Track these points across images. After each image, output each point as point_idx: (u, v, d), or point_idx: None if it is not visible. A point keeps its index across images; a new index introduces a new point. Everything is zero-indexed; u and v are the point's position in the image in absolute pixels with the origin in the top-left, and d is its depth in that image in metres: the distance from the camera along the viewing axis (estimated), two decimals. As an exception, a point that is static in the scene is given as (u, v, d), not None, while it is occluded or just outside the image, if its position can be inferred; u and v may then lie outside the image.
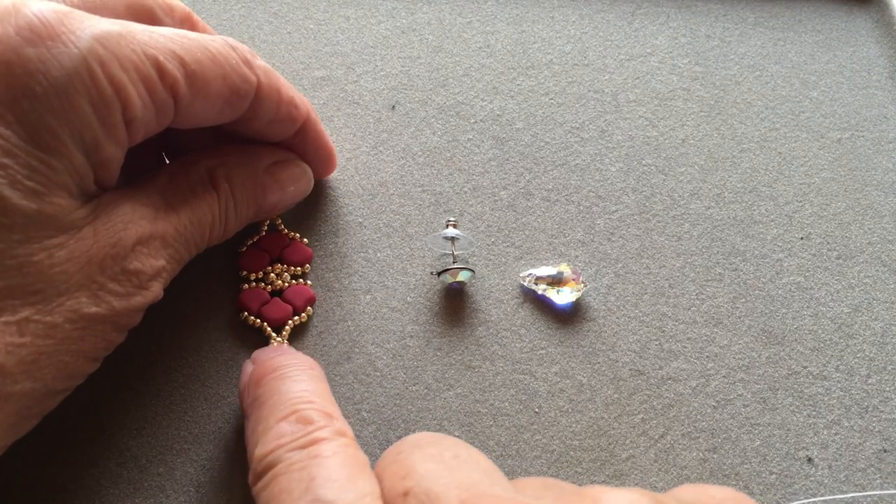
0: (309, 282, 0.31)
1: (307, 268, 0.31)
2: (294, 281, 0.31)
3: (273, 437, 0.23)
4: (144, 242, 0.24)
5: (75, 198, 0.23)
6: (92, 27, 0.22)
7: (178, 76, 0.24)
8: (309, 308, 0.30)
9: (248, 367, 0.27)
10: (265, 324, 0.30)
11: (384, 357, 0.30)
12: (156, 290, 0.25)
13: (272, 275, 0.30)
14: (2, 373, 0.21)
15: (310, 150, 0.31)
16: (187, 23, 0.28)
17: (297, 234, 0.32)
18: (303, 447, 0.22)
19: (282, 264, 0.31)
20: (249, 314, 0.30)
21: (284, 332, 0.30)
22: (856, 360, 0.30)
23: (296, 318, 0.30)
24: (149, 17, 0.27)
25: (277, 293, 0.30)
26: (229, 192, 0.27)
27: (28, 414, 0.23)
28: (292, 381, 0.25)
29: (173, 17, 0.28)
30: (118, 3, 0.26)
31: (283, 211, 0.31)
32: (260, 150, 0.29)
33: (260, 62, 0.27)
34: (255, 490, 0.22)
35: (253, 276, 0.30)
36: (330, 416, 0.24)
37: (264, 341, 0.29)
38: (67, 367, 0.23)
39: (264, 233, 0.31)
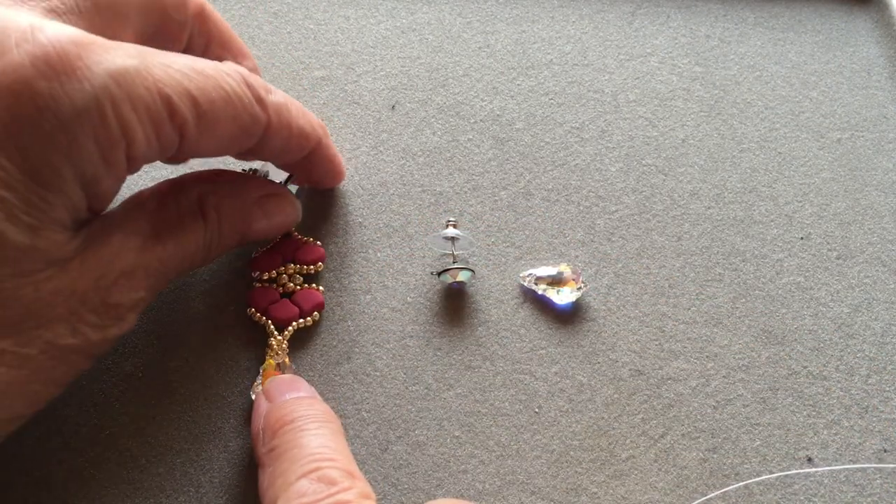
0: (321, 287, 0.31)
1: (320, 266, 0.31)
2: (306, 284, 0.31)
3: (294, 494, 0.22)
4: (128, 275, 0.24)
5: (68, 231, 0.23)
6: (108, 62, 0.21)
7: (189, 117, 0.23)
8: (316, 313, 0.30)
9: (262, 405, 0.26)
10: (269, 322, 0.30)
11: (384, 357, 0.30)
12: (130, 321, 0.25)
13: (284, 276, 0.30)
14: None
15: (317, 170, 0.31)
16: (200, 17, 0.28)
17: (311, 239, 0.32)
18: None
19: (295, 264, 0.31)
20: (256, 310, 0.30)
21: (286, 333, 0.29)
22: (856, 360, 0.30)
23: (301, 321, 0.30)
24: (160, 14, 0.26)
25: (287, 295, 0.30)
26: (217, 222, 0.27)
27: None
28: (312, 434, 0.24)
29: (185, 13, 0.27)
30: (130, 1, 0.25)
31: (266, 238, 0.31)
32: (252, 182, 0.29)
33: (274, 99, 0.26)
34: None
35: (266, 276, 0.30)
36: (353, 475, 0.23)
37: (265, 341, 0.30)
38: (36, 395, 0.23)
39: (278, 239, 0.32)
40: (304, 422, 0.25)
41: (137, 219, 0.25)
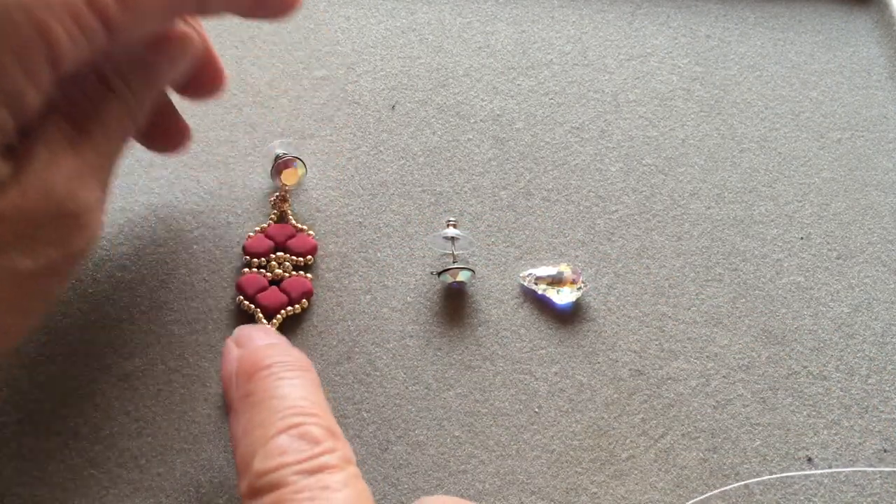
0: (310, 275, 0.31)
1: (310, 259, 0.31)
2: (296, 272, 0.31)
3: (275, 451, 0.21)
4: (73, 179, 0.23)
5: (1, 156, 0.21)
6: None
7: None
8: (304, 301, 0.30)
9: (233, 350, 0.25)
10: (258, 310, 0.30)
11: (384, 357, 0.30)
12: (93, 226, 0.23)
13: (273, 262, 0.31)
14: None
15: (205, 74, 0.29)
16: None
17: (306, 227, 0.32)
18: (310, 472, 0.21)
19: (286, 253, 0.31)
20: (244, 298, 0.30)
21: (275, 321, 0.30)
22: (856, 360, 0.30)
23: (289, 308, 0.30)
24: None
25: (277, 282, 0.30)
26: (124, 88, 0.25)
27: None
28: (290, 384, 0.23)
29: None
30: None
31: (180, 73, 0.28)
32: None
33: None
34: None
35: (255, 262, 0.31)
36: (335, 435, 0.22)
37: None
38: (12, 327, 0.22)
39: (272, 223, 0.32)
40: (282, 368, 0.24)
41: (54, 121, 0.23)
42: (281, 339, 0.26)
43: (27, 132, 0.23)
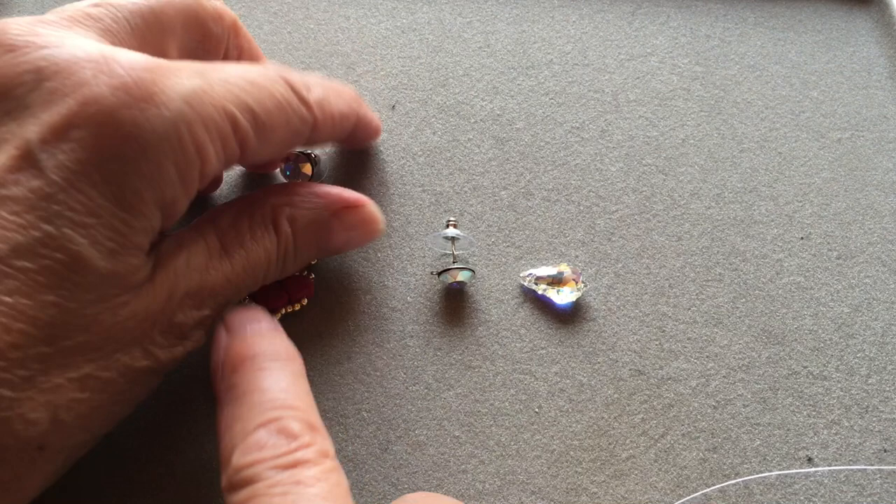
0: (313, 275, 0.31)
1: (314, 259, 0.31)
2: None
3: (252, 446, 0.22)
4: (192, 295, 0.24)
5: (144, 254, 0.23)
6: (181, 85, 0.22)
7: (250, 130, 0.24)
8: (304, 300, 0.30)
9: (223, 338, 0.25)
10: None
11: (384, 357, 0.30)
12: (197, 338, 0.25)
13: None
14: (62, 428, 0.22)
15: (357, 136, 0.31)
16: (234, 29, 0.29)
17: None
18: (285, 467, 0.21)
19: None
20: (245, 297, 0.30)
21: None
22: (856, 360, 0.30)
23: (289, 306, 0.30)
24: (201, 29, 0.27)
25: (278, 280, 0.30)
26: (290, 236, 0.27)
27: (69, 463, 0.24)
28: (273, 377, 0.24)
29: (223, 26, 0.28)
30: (175, 18, 0.26)
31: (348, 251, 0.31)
32: (330, 194, 0.28)
33: (315, 96, 0.26)
34: (229, 501, 0.22)
35: None
36: (313, 428, 0.23)
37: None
38: (113, 416, 0.24)
39: None
40: (265, 360, 0.24)
41: (207, 235, 0.25)
42: (271, 324, 0.26)
43: (171, 235, 0.25)
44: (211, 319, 0.25)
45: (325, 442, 0.23)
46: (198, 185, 0.24)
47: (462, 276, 0.31)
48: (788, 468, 0.28)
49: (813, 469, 0.28)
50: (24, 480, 0.22)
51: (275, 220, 0.27)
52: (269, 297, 0.30)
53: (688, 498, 0.27)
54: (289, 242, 0.27)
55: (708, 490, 0.28)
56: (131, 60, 0.22)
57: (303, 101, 0.26)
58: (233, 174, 0.33)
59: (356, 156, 0.34)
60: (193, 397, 0.29)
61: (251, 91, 0.24)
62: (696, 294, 0.32)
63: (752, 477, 0.28)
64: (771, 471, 0.28)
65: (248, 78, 0.25)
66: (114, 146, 0.21)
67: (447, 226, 0.31)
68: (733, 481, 0.28)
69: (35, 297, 0.20)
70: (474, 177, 0.34)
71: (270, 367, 0.24)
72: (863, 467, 0.28)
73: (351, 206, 0.28)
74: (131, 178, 0.22)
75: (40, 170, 0.21)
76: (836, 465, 0.28)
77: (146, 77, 0.22)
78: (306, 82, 0.27)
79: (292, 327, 0.30)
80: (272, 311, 0.30)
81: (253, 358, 0.24)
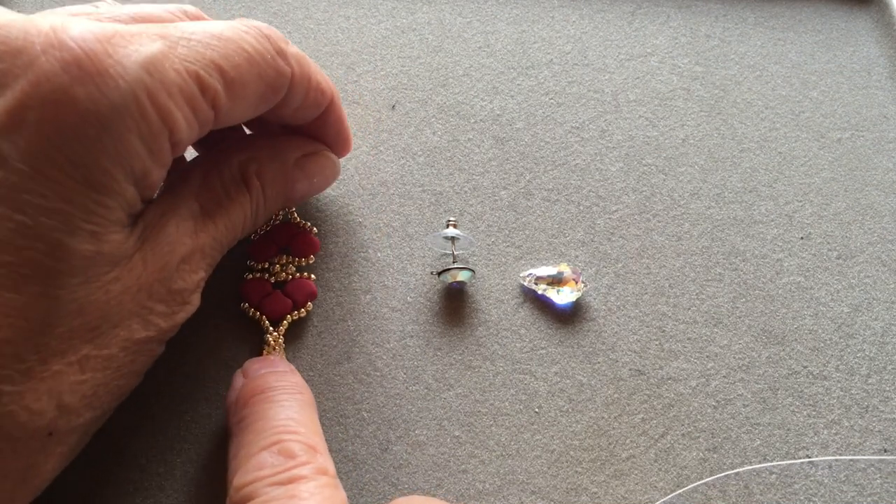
0: (313, 276, 0.31)
1: (311, 259, 0.31)
2: (298, 274, 0.31)
3: (253, 467, 0.22)
4: (186, 260, 0.24)
5: (127, 228, 0.23)
6: (136, 52, 0.21)
7: (219, 88, 0.23)
8: (309, 304, 0.30)
9: (238, 381, 0.27)
10: (263, 317, 0.30)
11: (384, 357, 0.30)
12: (195, 302, 0.25)
13: (277, 266, 0.31)
14: (68, 411, 0.22)
15: (329, 133, 0.30)
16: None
17: (309, 224, 0.32)
18: (282, 483, 0.22)
19: (288, 255, 0.31)
20: (250, 305, 0.30)
21: (281, 328, 0.30)
22: (856, 359, 0.30)
23: (294, 312, 0.30)
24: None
25: (280, 285, 0.30)
26: (260, 190, 0.27)
27: (86, 438, 0.24)
28: (279, 406, 0.25)
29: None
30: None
31: (309, 199, 0.32)
32: (290, 143, 0.29)
33: (293, 49, 0.26)
34: None
35: (258, 267, 0.31)
36: (314, 449, 0.23)
37: (263, 337, 0.30)
38: (120, 389, 0.24)
39: (277, 222, 0.32)
40: (274, 393, 0.25)
41: (186, 199, 0.25)
42: (286, 368, 0.27)
43: (152, 203, 0.24)
44: (204, 281, 0.26)
45: (324, 461, 0.23)
46: (171, 154, 0.23)
47: (462, 276, 0.31)
48: (788, 468, 0.28)
49: (807, 459, 0.28)
50: (40, 466, 0.22)
51: (244, 177, 0.27)
52: (275, 305, 0.30)
53: (684, 489, 0.28)
54: (259, 197, 0.27)
55: (705, 480, 0.28)
56: (83, 31, 0.21)
57: (279, 51, 0.25)
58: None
59: (356, 155, 0.34)
60: (193, 398, 0.29)
61: (217, 46, 0.23)
62: (696, 294, 0.32)
63: (748, 468, 0.28)
64: (770, 471, 0.28)
65: (214, 33, 0.23)
66: (73, 126, 0.20)
67: (447, 226, 0.31)
68: (727, 473, 0.28)
69: (22, 289, 0.20)
70: (474, 177, 0.34)
71: (278, 399, 0.25)
72: (863, 467, 0.28)
73: (310, 154, 0.29)
74: (97, 156, 0.21)
75: (3, 159, 0.20)
76: (836, 465, 0.28)
77: (98, 49, 0.20)
78: (286, 39, 0.26)
79: (293, 328, 0.30)
80: (280, 318, 0.30)
81: (262, 392, 0.25)
